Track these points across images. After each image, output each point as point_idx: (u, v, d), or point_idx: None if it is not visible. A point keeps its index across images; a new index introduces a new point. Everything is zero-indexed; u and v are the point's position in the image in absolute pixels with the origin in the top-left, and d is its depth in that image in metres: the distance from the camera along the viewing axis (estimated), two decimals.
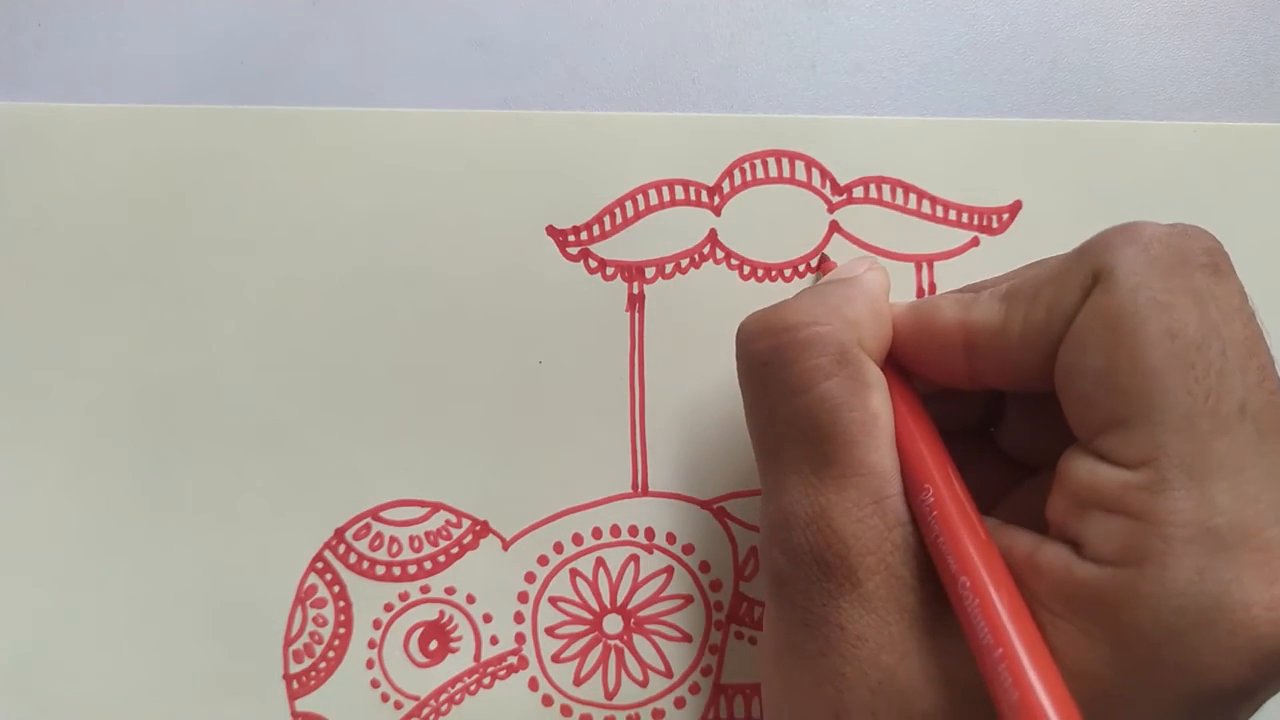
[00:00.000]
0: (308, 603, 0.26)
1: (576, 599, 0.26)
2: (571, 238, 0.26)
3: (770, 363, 0.20)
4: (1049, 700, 0.15)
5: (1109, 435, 0.17)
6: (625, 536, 0.26)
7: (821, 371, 0.19)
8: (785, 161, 0.26)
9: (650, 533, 0.26)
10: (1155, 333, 0.16)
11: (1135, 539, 0.16)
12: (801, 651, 0.19)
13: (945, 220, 0.26)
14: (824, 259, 0.26)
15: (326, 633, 0.26)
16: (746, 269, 0.26)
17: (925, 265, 0.26)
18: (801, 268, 0.26)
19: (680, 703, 0.26)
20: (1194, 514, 0.16)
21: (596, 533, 0.26)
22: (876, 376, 0.20)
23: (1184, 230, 0.18)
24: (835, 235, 0.26)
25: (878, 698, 0.18)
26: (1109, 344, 0.17)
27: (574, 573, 0.26)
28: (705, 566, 0.26)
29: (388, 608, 0.26)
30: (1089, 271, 0.18)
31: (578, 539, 0.26)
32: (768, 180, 0.26)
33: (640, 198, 0.26)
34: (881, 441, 0.19)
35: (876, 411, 0.19)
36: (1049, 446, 0.19)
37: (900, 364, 0.21)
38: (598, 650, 0.26)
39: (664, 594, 0.26)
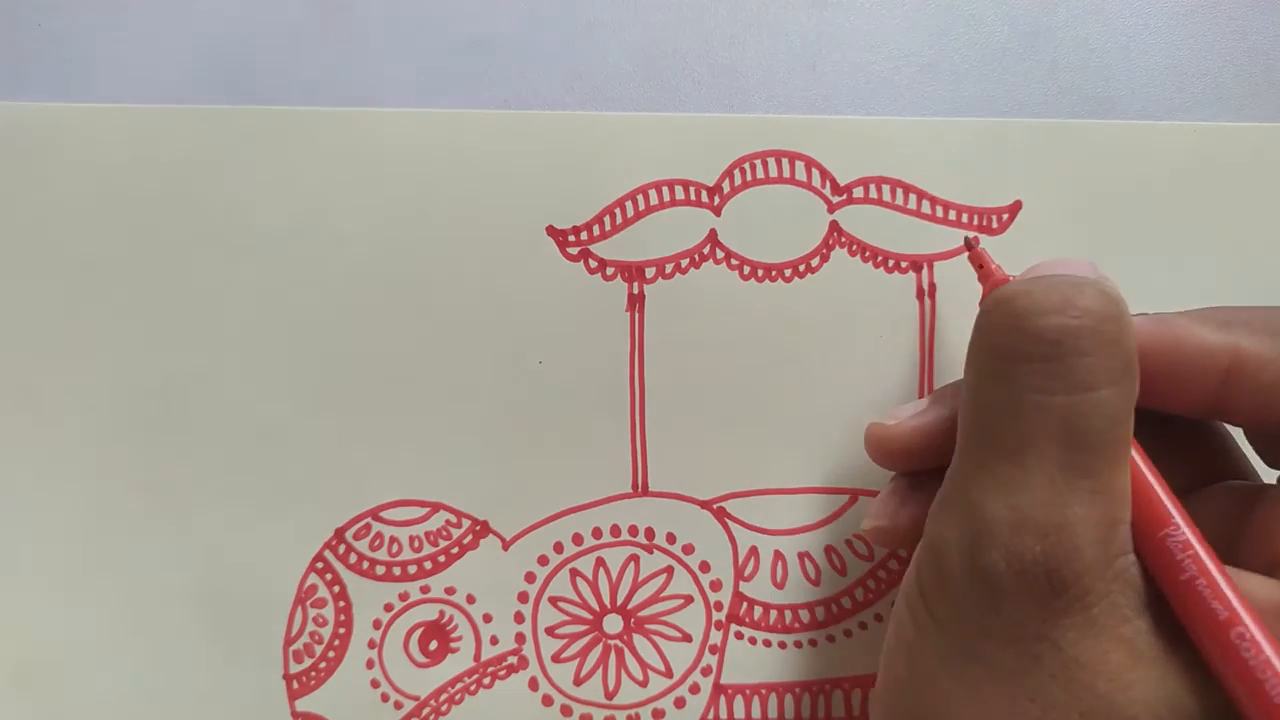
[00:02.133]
0: (308, 603, 0.26)
1: (576, 599, 0.26)
2: (571, 238, 0.26)
3: (1058, 343, 0.18)
4: None
5: None
6: (625, 536, 0.26)
7: (1111, 374, 0.18)
8: (785, 161, 0.26)
9: (650, 533, 0.26)
10: None
11: None
12: (994, 664, 0.18)
13: (945, 220, 0.26)
14: (972, 244, 0.23)
15: (326, 633, 0.26)
16: (746, 269, 0.26)
17: (925, 265, 0.26)
18: (801, 268, 0.26)
19: (680, 703, 0.26)
20: None
21: (596, 533, 0.26)
22: (1136, 390, 0.18)
23: None
24: (836, 238, 0.26)
25: None
26: None
27: (574, 573, 0.26)
28: (705, 566, 0.26)
29: (388, 608, 0.26)
30: None
31: (578, 539, 0.26)
32: (768, 180, 0.26)
33: (640, 198, 0.26)
34: (1126, 465, 0.18)
35: (1130, 433, 0.18)
36: (1175, 476, 0.19)
37: None
38: (598, 650, 0.26)
39: (664, 594, 0.26)
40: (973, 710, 0.18)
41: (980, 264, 0.23)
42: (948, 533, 0.19)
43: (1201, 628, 0.17)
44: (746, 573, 0.26)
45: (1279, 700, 0.16)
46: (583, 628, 0.26)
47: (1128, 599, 0.17)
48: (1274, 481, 0.21)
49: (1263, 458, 0.21)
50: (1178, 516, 0.18)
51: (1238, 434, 0.22)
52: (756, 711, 0.26)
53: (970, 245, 0.23)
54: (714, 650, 0.26)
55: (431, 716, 0.25)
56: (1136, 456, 0.19)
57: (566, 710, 0.26)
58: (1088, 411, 0.17)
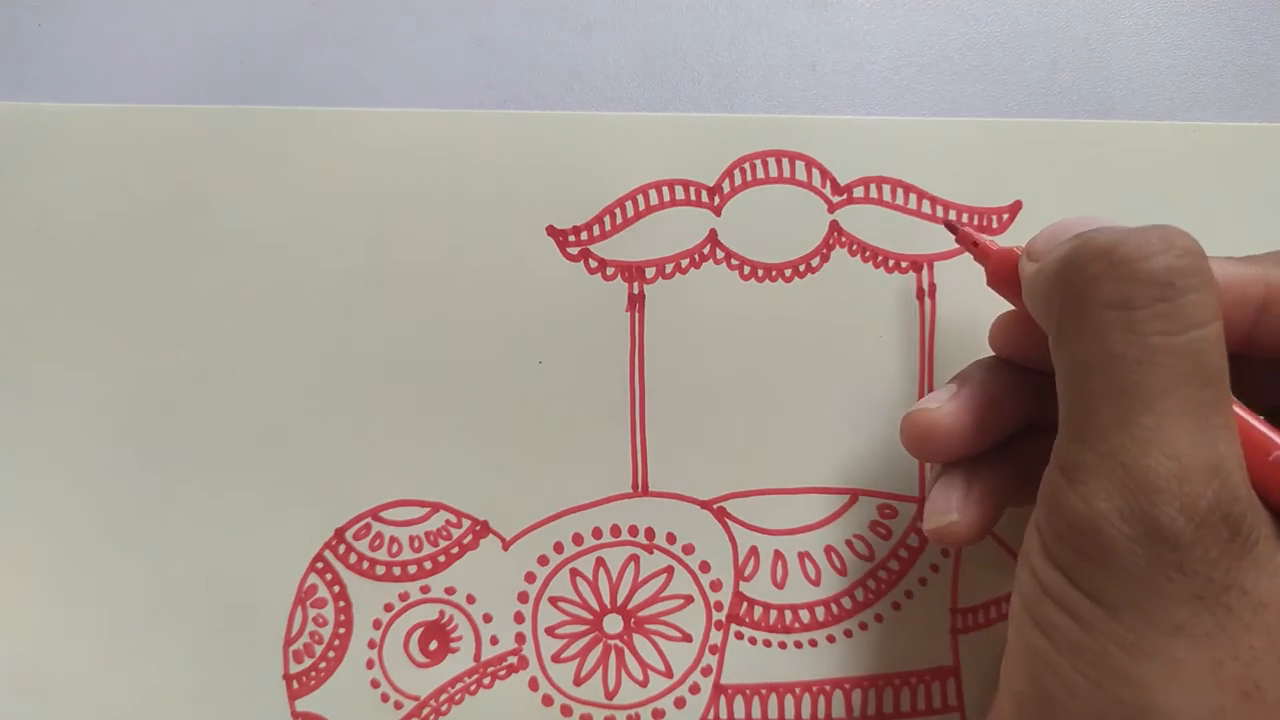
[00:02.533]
0: (308, 603, 0.26)
1: (576, 599, 0.26)
2: (571, 238, 0.26)
3: (1172, 284, 0.17)
4: None
5: None
6: (625, 536, 0.26)
7: (1215, 308, 0.17)
8: (785, 161, 0.26)
9: (650, 533, 0.26)
10: None
11: None
12: (1189, 630, 0.17)
13: (945, 220, 0.26)
14: (955, 225, 0.24)
15: (326, 633, 0.26)
16: (746, 269, 0.26)
17: (925, 265, 0.26)
18: (801, 268, 0.26)
19: (680, 703, 0.26)
20: None
21: (596, 533, 0.26)
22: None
23: None
24: (836, 238, 0.26)
25: None
26: None
27: (574, 573, 0.26)
28: (705, 566, 0.26)
29: (388, 608, 0.26)
30: None
31: (578, 539, 0.26)
32: (768, 180, 0.26)
33: (640, 198, 0.26)
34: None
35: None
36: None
37: None
38: (598, 650, 0.26)
39: (664, 594, 0.26)
40: (1176, 691, 0.17)
41: (973, 242, 0.23)
42: (1098, 504, 0.17)
43: None
44: (746, 573, 0.26)
45: None
46: (583, 628, 0.26)
47: (1270, 529, 0.17)
48: None
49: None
50: (1275, 437, 0.18)
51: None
52: (757, 711, 0.26)
53: (954, 228, 0.23)
54: (714, 650, 0.26)
55: (431, 716, 0.25)
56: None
57: (566, 710, 0.26)
58: (1208, 348, 0.17)
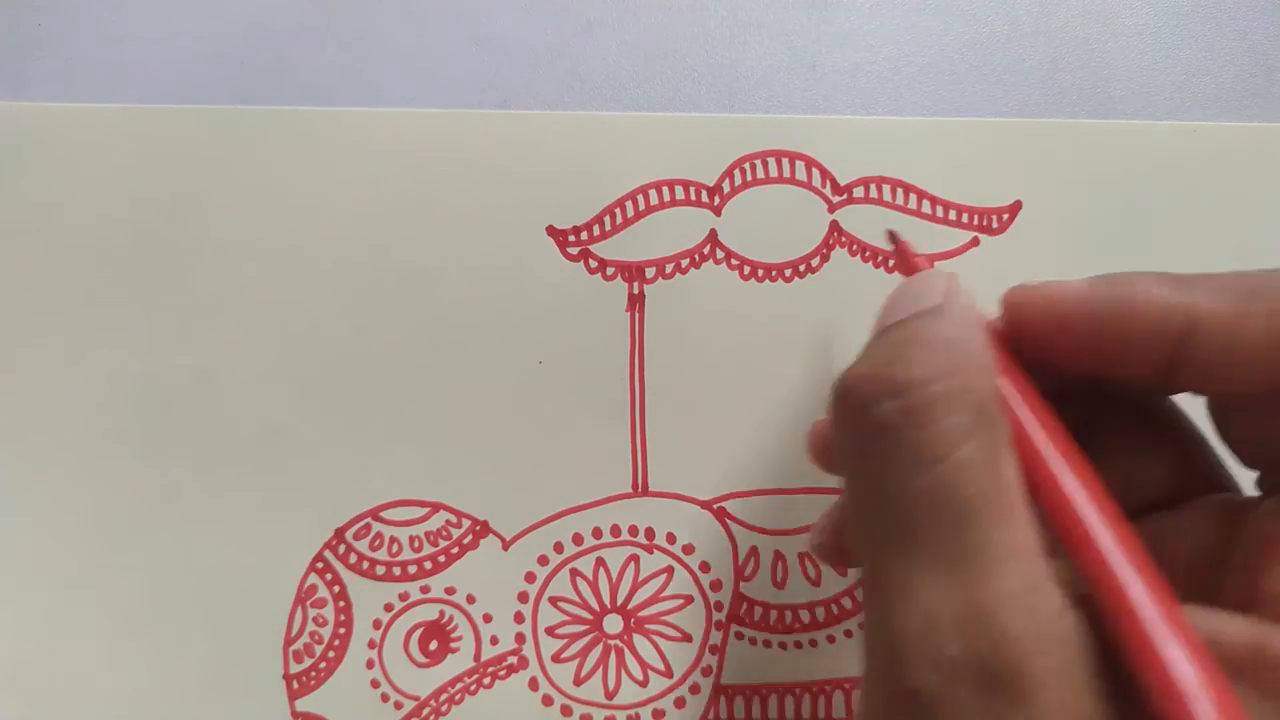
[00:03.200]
0: (308, 603, 0.26)
1: (576, 599, 0.26)
2: (571, 238, 0.26)
3: (896, 427, 0.16)
4: None
5: None
6: (625, 536, 0.26)
7: (961, 432, 0.16)
8: (785, 161, 0.26)
9: (650, 533, 0.26)
10: None
11: None
12: None
13: (945, 220, 0.26)
14: (896, 237, 0.23)
15: (326, 633, 0.26)
16: (746, 269, 0.26)
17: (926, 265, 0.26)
18: (801, 268, 0.26)
19: (680, 703, 0.26)
20: None
21: (596, 533, 0.26)
22: (1005, 426, 0.16)
23: None
24: (836, 238, 0.26)
25: None
26: None
27: (574, 573, 0.26)
28: (705, 566, 0.26)
29: (388, 608, 0.26)
30: None
31: (578, 539, 0.26)
32: (768, 180, 0.26)
33: (640, 198, 0.26)
34: (1023, 513, 0.16)
35: (1014, 476, 0.16)
36: (1153, 485, 0.17)
37: (1057, 351, 0.18)
38: (598, 650, 0.26)
39: (664, 594, 0.26)
40: None
41: (904, 258, 0.22)
42: (867, 662, 0.16)
43: (1161, 699, 0.14)
44: (747, 573, 0.26)
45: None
46: (583, 628, 0.26)
47: (1081, 667, 0.15)
48: (1258, 495, 0.19)
49: (1230, 446, 0.19)
50: (1120, 545, 0.15)
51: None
52: (757, 712, 0.26)
53: (893, 239, 0.23)
54: (714, 650, 0.26)
55: (431, 716, 0.25)
56: (1063, 465, 0.16)
57: (566, 710, 0.26)
58: (952, 480, 0.15)
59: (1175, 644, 0.14)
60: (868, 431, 0.16)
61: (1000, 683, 0.14)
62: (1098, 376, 0.18)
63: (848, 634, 0.26)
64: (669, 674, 0.26)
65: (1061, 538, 0.16)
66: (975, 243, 0.26)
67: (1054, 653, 0.15)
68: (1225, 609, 0.15)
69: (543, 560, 0.26)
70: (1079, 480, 0.16)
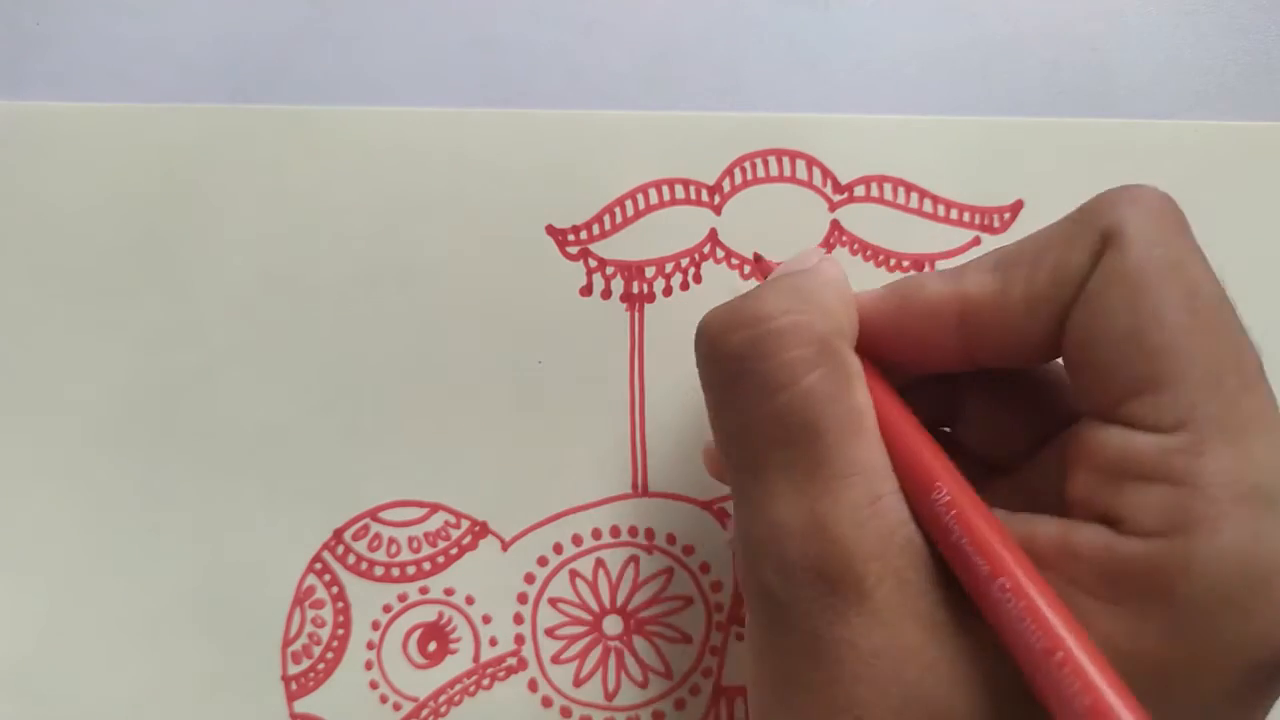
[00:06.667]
0: (306, 604, 0.25)
1: (576, 600, 0.26)
2: (571, 237, 0.26)
3: (746, 357, 0.18)
4: (1120, 703, 0.14)
5: (1137, 400, 0.16)
6: (625, 537, 0.26)
7: (805, 363, 0.17)
8: (786, 160, 0.26)
9: (650, 533, 0.26)
10: (1177, 292, 0.16)
11: (1181, 505, 0.15)
12: (807, 684, 0.17)
13: (946, 219, 0.26)
14: (759, 258, 0.25)
15: (325, 634, 0.25)
16: (747, 269, 0.26)
17: (926, 265, 0.26)
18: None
19: (680, 704, 0.26)
20: (1238, 472, 0.15)
21: (596, 533, 0.26)
22: (857, 366, 0.18)
23: (1169, 195, 0.18)
24: (837, 237, 0.26)
25: (903, 719, 0.16)
26: (1130, 305, 0.16)
27: (574, 573, 0.26)
28: (705, 567, 0.26)
29: (386, 609, 0.26)
30: (1096, 234, 0.17)
31: (577, 539, 0.26)
32: (768, 179, 0.26)
33: (640, 197, 0.26)
34: (871, 437, 0.18)
35: (863, 405, 0.18)
36: (1016, 436, 0.18)
37: (877, 354, 0.20)
38: (597, 651, 0.26)
39: (664, 595, 0.26)
40: None
41: (764, 273, 0.23)
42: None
43: (972, 587, 0.16)
44: None
45: (1039, 646, 0.15)
46: (582, 629, 0.26)
47: (917, 572, 0.17)
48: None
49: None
50: (944, 474, 0.17)
51: None
52: None
53: (756, 260, 0.24)
54: (715, 652, 0.26)
55: (430, 718, 0.25)
56: (904, 419, 0.18)
57: (566, 712, 0.26)
58: (797, 405, 0.17)
59: (998, 552, 0.16)
60: (722, 363, 0.18)
61: (838, 584, 0.16)
62: (924, 368, 0.20)
63: None
64: (669, 675, 0.26)
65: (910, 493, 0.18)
66: (977, 242, 0.26)
67: (891, 559, 0.17)
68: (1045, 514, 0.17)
69: (542, 561, 0.26)
70: (929, 453, 0.18)
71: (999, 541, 0.16)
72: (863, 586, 0.16)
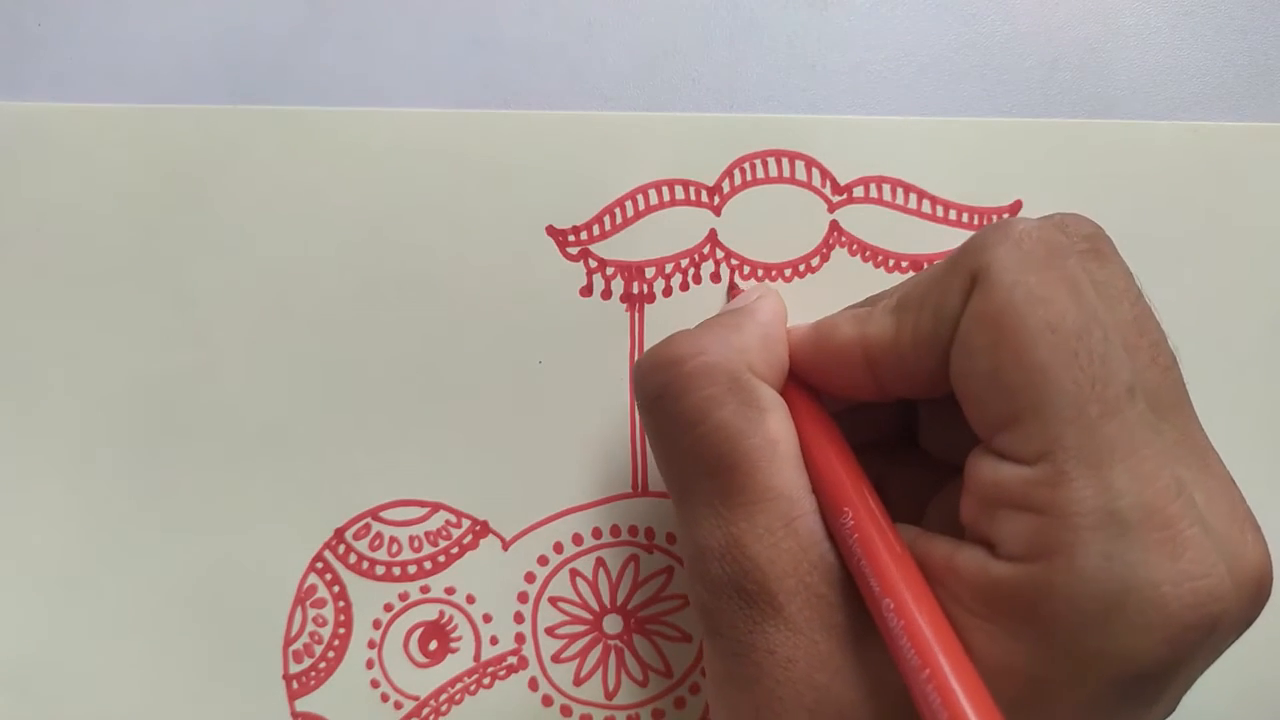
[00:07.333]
0: (307, 603, 0.26)
1: (576, 599, 0.26)
2: (571, 238, 0.26)
3: (663, 397, 0.20)
4: (976, 717, 0.15)
5: (1005, 433, 0.17)
6: (625, 536, 0.26)
7: (714, 401, 0.19)
8: (785, 161, 0.26)
9: (650, 533, 0.26)
10: (1035, 328, 0.17)
11: (1042, 533, 0.16)
12: (737, 681, 0.19)
13: (945, 220, 0.26)
14: (733, 286, 0.26)
15: (326, 633, 0.26)
16: (746, 269, 0.26)
17: (926, 265, 0.26)
18: (801, 268, 0.26)
19: (680, 703, 0.26)
20: (1095, 500, 0.16)
21: (596, 533, 0.26)
22: (772, 399, 0.20)
23: (1059, 220, 0.18)
24: (836, 237, 0.26)
25: (816, 717, 0.18)
26: (991, 345, 0.17)
27: (574, 573, 0.26)
28: None
29: (387, 608, 0.26)
30: (967, 274, 0.18)
31: (578, 539, 0.26)
32: (768, 180, 0.26)
33: (640, 198, 0.26)
34: (785, 464, 0.19)
35: (776, 435, 0.19)
36: (966, 445, 0.19)
37: (809, 383, 0.21)
38: (598, 650, 0.26)
39: (664, 594, 0.26)
40: None
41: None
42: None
43: (870, 604, 0.18)
44: None
45: (913, 663, 0.16)
46: (582, 628, 0.26)
47: (831, 585, 0.18)
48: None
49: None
50: (854, 497, 0.19)
51: None
52: None
53: (731, 288, 0.26)
54: None
55: (431, 717, 0.25)
56: (826, 446, 0.20)
57: (566, 710, 0.26)
58: (710, 439, 0.19)
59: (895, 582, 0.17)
60: (645, 403, 0.21)
61: (755, 599, 0.18)
62: (850, 398, 0.22)
63: None
64: (669, 674, 0.26)
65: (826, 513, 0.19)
66: None
67: (804, 575, 0.18)
68: (939, 533, 0.19)
69: (542, 560, 0.26)
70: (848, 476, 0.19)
71: (893, 562, 0.18)
72: (776, 601, 0.18)
